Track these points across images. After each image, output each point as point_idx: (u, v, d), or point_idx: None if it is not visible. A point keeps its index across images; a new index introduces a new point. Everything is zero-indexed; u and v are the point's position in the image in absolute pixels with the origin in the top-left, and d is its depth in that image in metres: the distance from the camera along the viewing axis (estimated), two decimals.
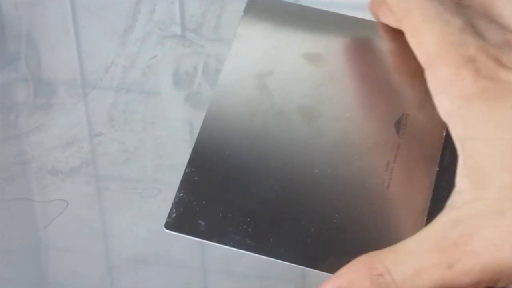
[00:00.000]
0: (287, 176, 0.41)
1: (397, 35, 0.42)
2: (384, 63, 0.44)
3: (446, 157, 0.41)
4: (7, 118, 0.58)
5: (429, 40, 0.38)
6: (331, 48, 0.44)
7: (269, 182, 0.41)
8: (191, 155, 0.42)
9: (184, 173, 0.41)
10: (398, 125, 0.42)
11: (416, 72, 0.42)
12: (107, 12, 0.63)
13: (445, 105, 0.37)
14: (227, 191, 0.41)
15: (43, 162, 0.55)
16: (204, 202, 0.41)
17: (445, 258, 0.35)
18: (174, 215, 0.40)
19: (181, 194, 0.41)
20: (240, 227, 0.40)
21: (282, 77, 0.44)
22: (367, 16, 0.44)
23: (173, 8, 0.63)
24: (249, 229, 0.40)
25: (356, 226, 0.40)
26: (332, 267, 0.39)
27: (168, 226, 0.40)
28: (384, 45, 0.44)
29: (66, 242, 0.52)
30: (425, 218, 0.39)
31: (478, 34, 0.38)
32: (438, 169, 0.41)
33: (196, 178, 0.41)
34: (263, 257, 0.40)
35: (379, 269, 0.36)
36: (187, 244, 0.51)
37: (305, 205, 0.40)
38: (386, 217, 0.40)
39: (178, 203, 0.41)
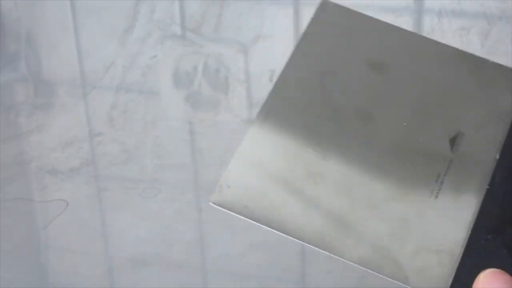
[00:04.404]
0: (338, 172, 0.41)
1: None
2: (447, 79, 0.44)
3: (498, 177, 0.41)
4: (7, 118, 0.58)
5: None
6: (395, 59, 0.45)
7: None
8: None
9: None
10: (453, 141, 0.43)
11: (479, 92, 0.43)
12: (107, 12, 0.63)
13: None
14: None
15: (43, 162, 0.55)
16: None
17: None
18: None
19: None
20: None
21: (344, 79, 0.44)
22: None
23: (173, 8, 0.63)
24: None
25: (400, 230, 0.40)
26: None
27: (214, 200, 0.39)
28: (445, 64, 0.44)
29: (66, 242, 0.52)
30: (468, 233, 0.40)
31: None
32: (488, 187, 0.41)
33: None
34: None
35: None
36: (187, 244, 0.51)
37: (355, 206, 0.41)
38: (430, 225, 0.40)
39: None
